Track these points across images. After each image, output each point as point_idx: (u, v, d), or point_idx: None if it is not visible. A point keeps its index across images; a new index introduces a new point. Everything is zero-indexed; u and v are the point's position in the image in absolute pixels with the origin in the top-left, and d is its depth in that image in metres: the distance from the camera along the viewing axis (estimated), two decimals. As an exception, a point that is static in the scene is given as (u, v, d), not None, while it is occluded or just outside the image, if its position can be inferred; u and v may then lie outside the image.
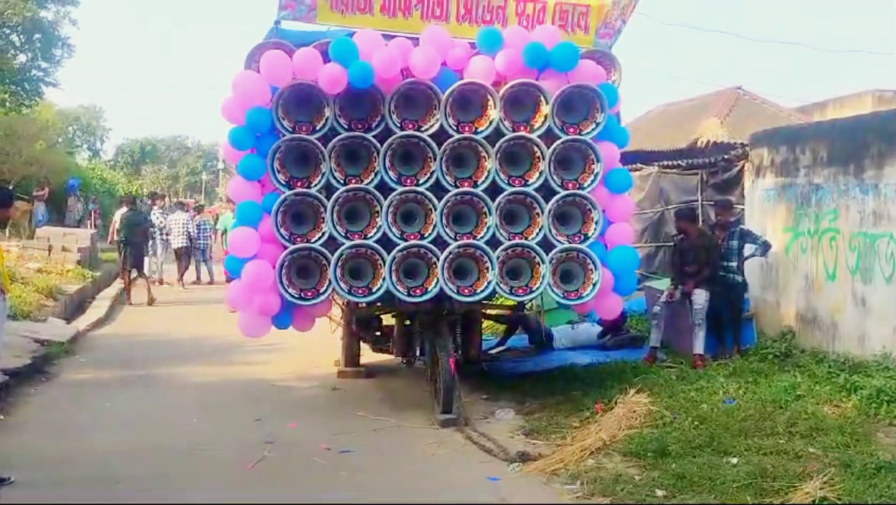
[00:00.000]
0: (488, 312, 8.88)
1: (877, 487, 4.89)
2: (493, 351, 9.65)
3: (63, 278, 14.54)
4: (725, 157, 11.57)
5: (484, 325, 9.47)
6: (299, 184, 7.03)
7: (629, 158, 11.52)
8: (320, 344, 9.92)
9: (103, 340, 10.97)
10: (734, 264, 8.96)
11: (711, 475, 5.30)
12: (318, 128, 7.02)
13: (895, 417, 6.41)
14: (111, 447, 5.48)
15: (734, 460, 5.60)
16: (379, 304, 7.67)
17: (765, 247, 8.95)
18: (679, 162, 12.96)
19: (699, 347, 8.62)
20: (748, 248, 9.04)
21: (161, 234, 17.78)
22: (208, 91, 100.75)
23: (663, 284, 9.63)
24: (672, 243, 10.51)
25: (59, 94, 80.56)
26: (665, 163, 13.25)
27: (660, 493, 5.17)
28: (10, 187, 15.15)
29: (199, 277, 18.33)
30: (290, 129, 6.97)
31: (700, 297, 8.71)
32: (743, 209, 10.43)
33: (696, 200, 12.12)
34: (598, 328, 10.14)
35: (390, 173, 7.07)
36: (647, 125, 16.58)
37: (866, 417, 6.46)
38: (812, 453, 5.65)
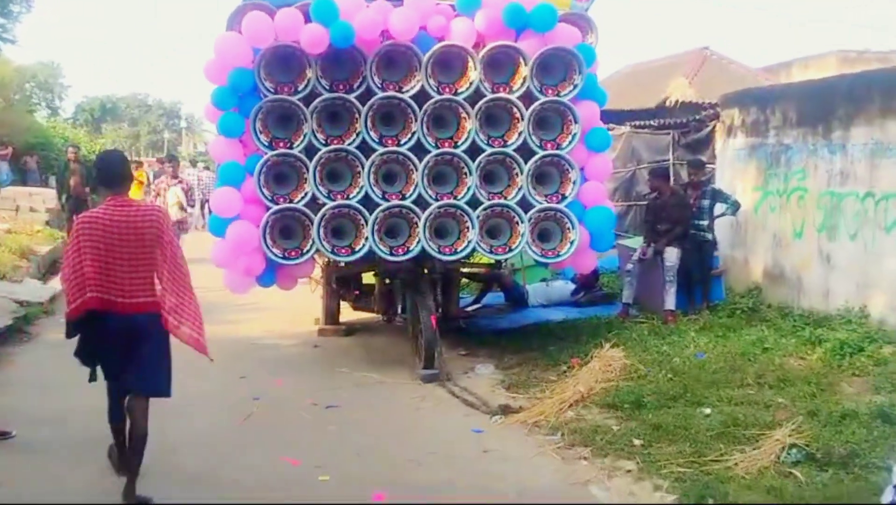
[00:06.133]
0: (466, 270, 9.05)
1: (842, 433, 5.16)
2: (470, 309, 9.85)
3: (33, 239, 14.37)
4: (697, 117, 11.77)
5: (461, 283, 9.64)
6: (281, 144, 7.08)
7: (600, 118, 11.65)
8: (299, 303, 10.01)
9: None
10: (705, 223, 9.19)
11: (686, 425, 5.53)
12: (300, 89, 7.06)
13: (858, 367, 6.69)
14: (100, 405, 5.55)
15: (707, 410, 5.84)
16: (360, 263, 7.78)
17: (735, 206, 9.18)
18: (651, 122, 13.14)
19: (670, 303, 8.87)
20: (719, 207, 9.27)
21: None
22: (170, 48, 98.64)
23: (635, 243, 9.86)
24: (644, 202, 10.74)
25: (16, 50, 78.28)
26: (637, 123, 13.42)
27: (637, 442, 5.39)
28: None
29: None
30: (272, 90, 7.00)
31: (672, 254, 8.94)
32: (714, 169, 10.66)
33: (668, 160, 12.33)
34: (572, 286, 10.38)
35: (372, 134, 7.15)
36: (616, 85, 16.69)
37: (831, 368, 6.73)
38: (780, 403, 5.91)
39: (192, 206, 15.83)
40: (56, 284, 11.56)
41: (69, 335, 4.51)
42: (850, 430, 5.23)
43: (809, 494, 4.37)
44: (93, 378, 4.58)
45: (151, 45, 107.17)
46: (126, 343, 4.39)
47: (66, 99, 59.81)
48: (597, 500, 4.62)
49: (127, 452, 4.57)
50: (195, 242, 14.64)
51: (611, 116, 13.58)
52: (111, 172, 4.54)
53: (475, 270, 9.49)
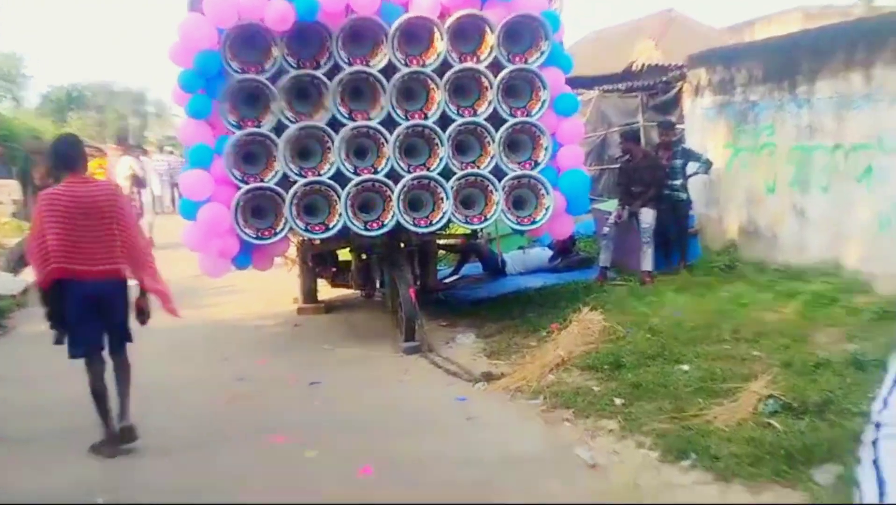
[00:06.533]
0: (442, 241, 9.06)
1: (817, 382, 5.24)
2: (449, 280, 9.87)
3: (0, 231, 14.19)
4: (664, 78, 11.80)
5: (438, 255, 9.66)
6: (250, 124, 7.02)
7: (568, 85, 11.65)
8: (276, 284, 10.00)
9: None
10: (678, 183, 9.25)
11: (665, 382, 5.60)
12: (266, 67, 6.99)
13: (832, 318, 6.79)
14: (83, 394, 5.57)
15: (685, 367, 5.91)
16: (335, 240, 7.76)
17: (707, 165, 9.25)
18: (619, 85, 13.16)
19: (648, 264, 8.94)
20: (691, 167, 9.33)
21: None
22: (133, 34, 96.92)
23: (610, 206, 9.91)
24: (617, 165, 10.78)
25: (-26, 41, 76.58)
26: (605, 87, 13.43)
27: (618, 401, 5.46)
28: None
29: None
30: (239, 70, 6.93)
31: (647, 216, 9.00)
32: (683, 129, 10.71)
33: (637, 122, 12.36)
34: (549, 252, 10.43)
35: (341, 109, 7.11)
36: (581, 51, 16.67)
37: (805, 320, 6.82)
38: (756, 356, 5.99)
39: (144, 188, 15.38)
40: (28, 276, 11.47)
41: (43, 304, 4.94)
42: (825, 378, 5.32)
43: (787, 442, 4.44)
44: (58, 342, 4.94)
45: (114, 30, 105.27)
46: (94, 306, 4.86)
47: (30, 89, 58.81)
48: (582, 460, 4.68)
49: (118, 392, 5.01)
50: (166, 227, 14.57)
51: (579, 83, 13.63)
52: (67, 154, 4.97)
53: (451, 241, 9.51)
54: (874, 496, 1.10)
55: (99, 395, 4.93)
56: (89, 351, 4.94)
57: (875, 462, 1.13)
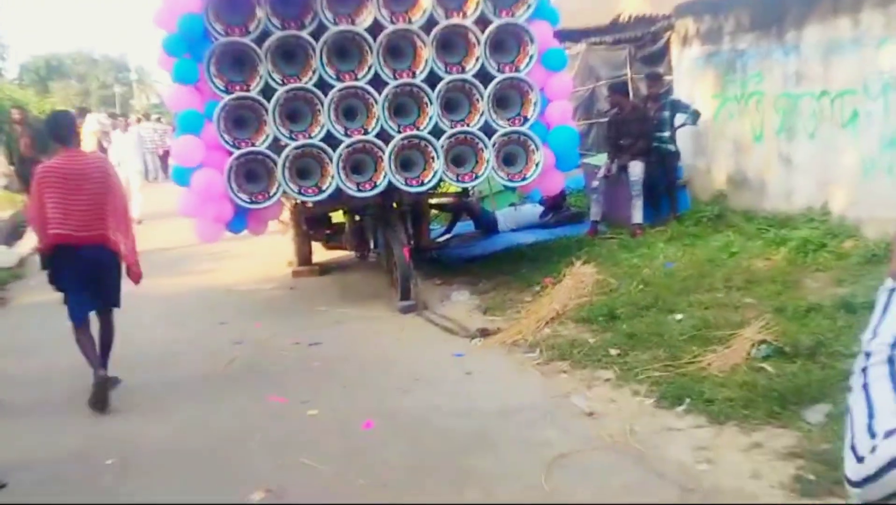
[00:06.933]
0: (434, 201, 9.09)
1: (808, 326, 5.35)
2: (442, 239, 9.92)
3: (-7, 204, 14.17)
4: (652, 29, 11.71)
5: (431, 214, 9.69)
6: (238, 88, 6.99)
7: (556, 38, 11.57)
8: (270, 248, 10.04)
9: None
10: (667, 134, 9.27)
11: (659, 331, 5.70)
12: (251, 29, 6.95)
13: (821, 263, 6.89)
14: (83, 363, 5.64)
15: (679, 316, 6.01)
16: (328, 202, 7.78)
17: (695, 115, 9.25)
18: (605, 38, 13.06)
19: (638, 216, 9.00)
20: (679, 118, 9.34)
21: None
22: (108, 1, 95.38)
23: (599, 160, 9.93)
24: (605, 119, 10.78)
25: (-51, 12, 75.20)
26: (592, 40, 13.34)
27: (613, 352, 5.56)
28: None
29: None
30: (223, 33, 6.88)
31: (636, 168, 9.04)
32: (671, 80, 10.68)
33: (626, 75, 12.31)
34: (540, 208, 10.47)
35: (328, 70, 7.08)
36: (567, 3, 16.51)
37: (795, 266, 6.91)
38: (748, 303, 6.09)
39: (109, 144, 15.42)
40: (23, 248, 11.47)
41: (43, 266, 5.42)
42: (816, 322, 5.42)
43: (780, 384, 4.55)
44: (66, 301, 5.39)
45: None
46: (88, 268, 5.26)
47: (9, 60, 57.92)
48: (578, 409, 4.78)
49: (99, 348, 5.44)
50: (153, 196, 14.53)
51: (566, 36, 13.51)
52: (62, 130, 5.41)
53: (443, 200, 9.54)
54: (864, 419, 1.16)
55: (84, 345, 5.37)
56: (85, 315, 5.37)
57: (864, 386, 1.19)
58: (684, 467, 3.95)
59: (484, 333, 6.35)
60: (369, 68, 7.12)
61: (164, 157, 22.97)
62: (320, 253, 9.36)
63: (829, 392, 4.40)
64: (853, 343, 4.97)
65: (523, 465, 4.11)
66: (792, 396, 4.42)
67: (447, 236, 10.10)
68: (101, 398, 5.15)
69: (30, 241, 12.10)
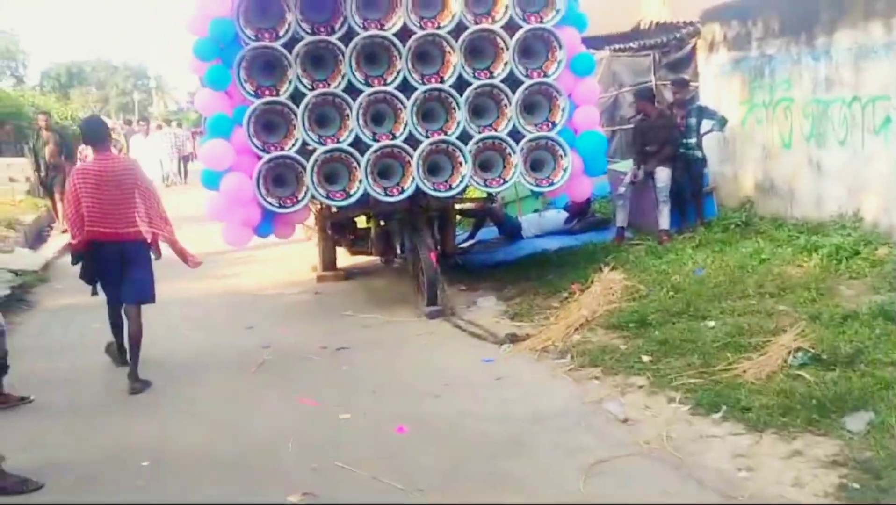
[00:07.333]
0: (460, 206, 9.07)
1: (845, 334, 5.27)
2: (466, 245, 9.90)
3: (17, 209, 14.26)
4: (677, 35, 11.66)
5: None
6: (267, 92, 7.01)
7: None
8: (293, 254, 10.05)
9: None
10: (693, 141, 9.20)
11: (692, 338, 5.64)
12: (281, 34, 6.97)
13: (855, 270, 6.77)
14: (108, 365, 5.65)
15: (711, 323, 5.95)
16: (354, 207, 7.77)
17: (722, 122, 9.20)
18: (630, 44, 13.02)
19: (664, 223, 8.93)
20: (706, 124, 9.27)
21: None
22: (128, 10, 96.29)
23: (625, 167, 9.87)
24: (629, 126, 10.73)
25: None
26: (616, 46, 13.29)
27: (646, 358, 5.51)
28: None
29: None
30: (253, 38, 6.91)
31: (663, 174, 8.97)
32: (697, 86, 10.63)
33: (650, 81, 12.26)
34: (565, 214, 10.42)
35: (357, 75, 7.08)
36: (588, 10, 16.51)
37: (828, 273, 6.79)
38: (782, 310, 6.00)
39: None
40: (47, 252, 11.56)
41: (74, 262, 5.87)
42: (853, 330, 5.34)
43: (818, 392, 4.48)
44: (94, 293, 5.94)
45: (108, 6, 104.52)
46: (119, 263, 5.68)
47: (30, 66, 58.60)
48: (613, 415, 4.73)
49: (126, 348, 5.82)
50: (176, 201, 14.58)
51: (589, 43, 13.49)
52: (95, 133, 5.81)
53: (468, 205, 9.51)
54: None
55: (116, 326, 5.99)
56: (117, 300, 5.89)
57: None
58: (724, 475, 3.90)
59: (513, 338, 6.31)
60: (398, 73, 7.13)
61: (184, 161, 23.20)
62: (344, 258, 9.36)
63: (870, 400, 4.34)
64: (893, 351, 4.91)
65: (560, 470, 4.08)
66: (832, 404, 4.36)
67: (471, 242, 10.08)
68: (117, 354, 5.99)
69: (54, 245, 12.20)
